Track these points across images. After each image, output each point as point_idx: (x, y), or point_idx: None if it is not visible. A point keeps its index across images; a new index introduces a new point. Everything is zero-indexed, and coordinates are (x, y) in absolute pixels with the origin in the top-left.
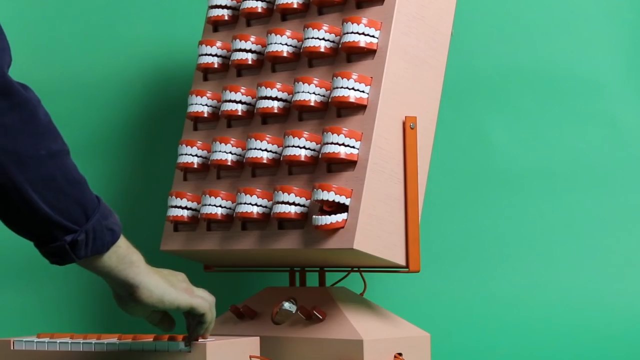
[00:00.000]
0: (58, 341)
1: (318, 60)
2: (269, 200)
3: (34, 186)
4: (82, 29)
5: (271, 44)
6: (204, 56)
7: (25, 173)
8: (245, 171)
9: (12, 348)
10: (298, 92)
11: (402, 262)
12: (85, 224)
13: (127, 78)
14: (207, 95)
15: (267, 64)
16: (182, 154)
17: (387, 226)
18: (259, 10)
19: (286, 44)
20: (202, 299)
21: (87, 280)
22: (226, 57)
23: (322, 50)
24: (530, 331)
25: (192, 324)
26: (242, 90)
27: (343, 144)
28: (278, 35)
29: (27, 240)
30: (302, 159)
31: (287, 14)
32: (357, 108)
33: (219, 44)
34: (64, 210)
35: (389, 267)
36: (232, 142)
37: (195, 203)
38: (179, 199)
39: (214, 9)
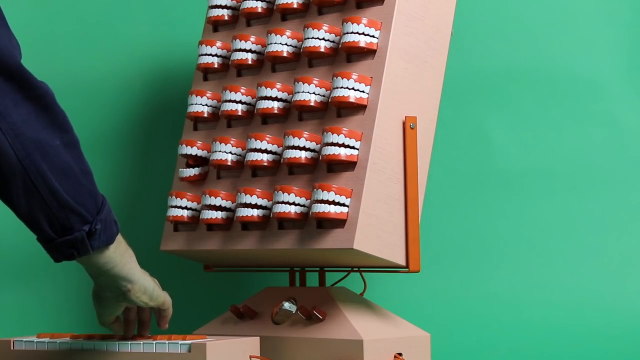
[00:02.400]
0: (58, 341)
1: (318, 60)
2: (269, 200)
3: (56, 175)
4: (82, 29)
5: (271, 44)
6: (204, 56)
7: (47, 162)
8: (245, 171)
9: (12, 348)
10: (298, 92)
11: (402, 262)
12: (98, 215)
13: (127, 78)
14: (207, 95)
15: (267, 64)
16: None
17: (387, 226)
18: (259, 10)
19: (286, 44)
20: (167, 294)
21: (87, 280)
22: (226, 57)
23: (322, 50)
24: (530, 331)
25: (143, 319)
26: (242, 90)
27: (343, 144)
28: (278, 35)
29: (38, 234)
30: (303, 160)
31: (287, 14)
32: (357, 108)
33: (219, 44)
34: (80, 200)
35: (389, 267)
36: (232, 142)
37: (195, 203)
38: (179, 199)
39: (214, 9)
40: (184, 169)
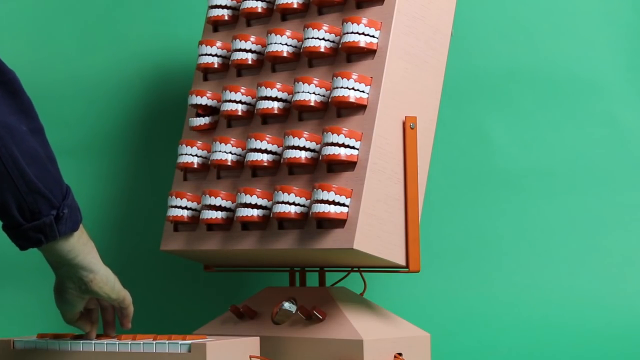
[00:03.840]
0: (58, 341)
1: (318, 60)
2: (269, 200)
3: (25, 159)
4: (82, 29)
5: (271, 44)
6: (204, 56)
7: (17, 145)
8: (245, 171)
9: (12, 348)
10: (298, 92)
11: (402, 262)
12: (64, 201)
13: (127, 78)
14: (207, 95)
15: (267, 64)
16: (182, 154)
17: (387, 226)
18: (259, 10)
19: (286, 44)
20: (128, 292)
21: None
22: (226, 57)
23: (322, 50)
24: (530, 331)
25: (107, 318)
26: (242, 90)
27: (343, 144)
28: (278, 35)
29: (6, 221)
30: (303, 160)
31: (287, 14)
32: (357, 108)
33: (219, 44)
34: (48, 185)
35: (389, 267)
36: (232, 142)
37: (195, 203)
38: (179, 199)
39: (214, 9)
40: (194, 119)
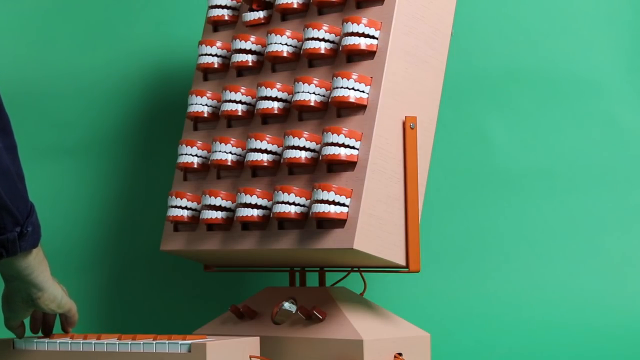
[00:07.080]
0: (58, 341)
1: (318, 60)
2: (269, 200)
3: None
4: (82, 29)
5: (271, 44)
6: (204, 56)
7: None
8: (245, 171)
9: (12, 348)
10: (298, 92)
11: (402, 262)
12: (28, 218)
13: (127, 78)
14: (207, 95)
15: (267, 64)
16: (182, 154)
17: (387, 226)
18: None
19: (286, 44)
20: (74, 303)
21: (86, 280)
22: (226, 57)
23: (323, 52)
24: (530, 331)
25: (48, 321)
26: (242, 90)
27: (343, 144)
28: (278, 35)
29: None
30: (303, 160)
31: (287, 14)
32: (357, 108)
33: (219, 44)
34: (15, 202)
35: (389, 267)
36: (232, 142)
37: (195, 203)
38: (179, 199)
39: (214, 9)
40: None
